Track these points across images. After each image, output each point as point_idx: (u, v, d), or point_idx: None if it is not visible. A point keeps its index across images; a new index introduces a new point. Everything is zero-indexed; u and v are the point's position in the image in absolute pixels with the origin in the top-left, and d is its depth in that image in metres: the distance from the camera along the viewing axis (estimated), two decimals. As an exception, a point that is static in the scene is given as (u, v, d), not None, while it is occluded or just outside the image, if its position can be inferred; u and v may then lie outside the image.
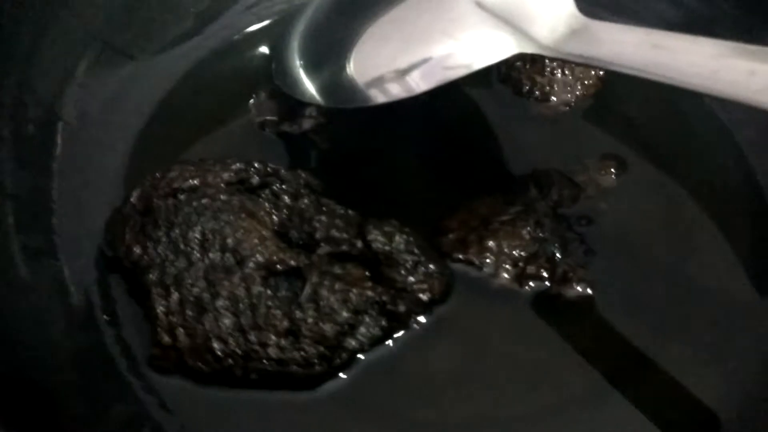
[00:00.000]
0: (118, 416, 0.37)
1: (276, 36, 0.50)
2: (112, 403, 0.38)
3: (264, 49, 0.51)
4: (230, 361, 0.36)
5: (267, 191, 0.41)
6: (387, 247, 0.39)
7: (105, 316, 0.40)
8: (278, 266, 0.38)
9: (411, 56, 0.41)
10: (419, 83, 0.40)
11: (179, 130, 0.47)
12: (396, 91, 0.40)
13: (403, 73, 0.41)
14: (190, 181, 0.40)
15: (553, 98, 0.48)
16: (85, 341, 0.39)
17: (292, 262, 0.38)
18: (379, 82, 0.41)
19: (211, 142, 0.47)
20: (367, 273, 0.39)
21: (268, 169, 0.42)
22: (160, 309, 0.37)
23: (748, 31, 0.46)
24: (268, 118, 0.47)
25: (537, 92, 0.48)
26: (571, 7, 0.39)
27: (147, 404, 0.37)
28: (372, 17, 0.43)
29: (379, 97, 0.41)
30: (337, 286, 0.38)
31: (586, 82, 0.48)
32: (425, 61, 0.40)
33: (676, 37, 0.36)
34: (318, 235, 0.39)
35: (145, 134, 0.46)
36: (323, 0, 0.49)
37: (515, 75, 0.48)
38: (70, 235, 0.42)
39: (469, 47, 0.40)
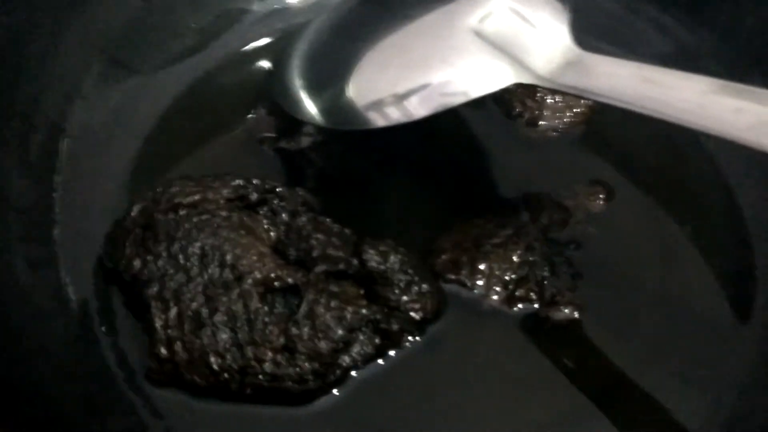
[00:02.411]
0: (114, 427, 0.38)
1: (277, 53, 0.51)
2: (109, 414, 0.38)
3: (265, 66, 0.52)
4: (226, 375, 0.37)
5: (265, 208, 0.42)
6: (382, 267, 0.40)
7: (103, 328, 0.41)
8: (276, 283, 0.39)
9: (410, 82, 0.42)
10: (417, 109, 0.41)
11: (180, 144, 0.48)
12: (395, 115, 0.41)
13: (402, 98, 0.41)
14: (191, 197, 0.41)
15: (542, 122, 0.49)
16: (83, 352, 0.40)
17: (290, 280, 0.39)
18: (377, 105, 0.42)
19: (211, 156, 0.48)
20: (361, 291, 0.40)
21: (267, 186, 0.43)
22: (158, 322, 0.38)
23: (737, 67, 0.47)
24: (266, 134, 0.48)
25: (526, 115, 0.49)
26: (568, 40, 0.40)
27: (143, 416, 0.38)
28: (372, 41, 0.44)
29: (378, 121, 0.42)
30: (332, 303, 0.39)
31: (575, 110, 0.49)
32: (424, 87, 0.41)
33: (666, 73, 0.37)
34: (315, 253, 0.40)
35: (147, 148, 0.47)
36: (324, 21, 0.50)
37: (507, 97, 0.49)
38: (71, 247, 0.43)
39: (468, 75, 0.41)
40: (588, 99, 0.45)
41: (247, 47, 0.53)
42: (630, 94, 0.37)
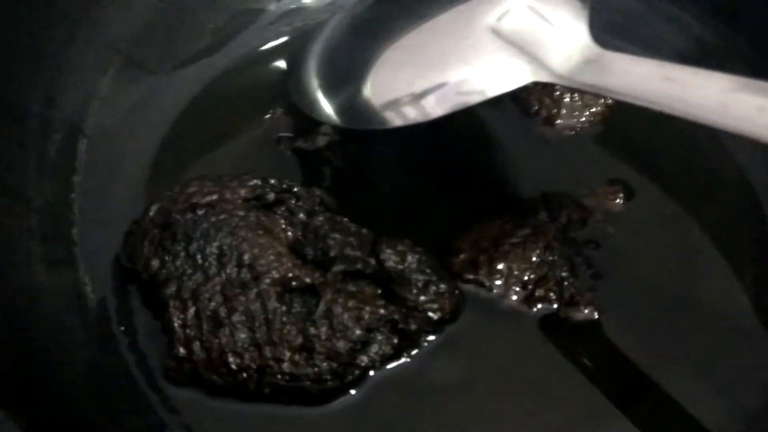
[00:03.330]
0: (132, 427, 0.38)
1: (293, 53, 0.51)
2: (127, 414, 0.38)
3: (281, 66, 0.52)
4: (244, 375, 0.37)
5: (283, 208, 0.42)
6: (399, 266, 0.40)
7: (122, 327, 0.41)
8: (293, 283, 0.39)
9: (427, 81, 0.41)
10: (435, 108, 0.41)
11: (197, 144, 0.48)
12: (412, 114, 0.41)
13: (419, 97, 0.41)
14: (209, 196, 0.41)
15: (559, 121, 0.49)
16: (102, 352, 0.40)
17: (307, 279, 0.39)
18: (395, 105, 0.42)
19: (227, 156, 0.48)
20: (379, 291, 0.40)
21: (284, 186, 0.43)
22: (176, 322, 0.38)
23: (759, 65, 0.47)
24: (283, 134, 0.48)
25: (544, 113, 0.49)
26: (586, 38, 0.40)
27: (161, 415, 0.38)
28: (389, 40, 0.44)
29: (395, 120, 0.42)
30: (350, 303, 0.39)
31: (593, 109, 0.49)
32: (441, 86, 0.41)
33: (687, 71, 0.36)
34: (332, 253, 0.40)
35: (164, 148, 0.47)
36: (340, 20, 0.50)
37: (525, 95, 0.49)
38: (90, 247, 0.43)
39: (485, 74, 0.41)
40: (607, 97, 0.45)
41: (263, 47, 0.53)
42: (649, 93, 0.36)
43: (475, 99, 0.40)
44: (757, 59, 0.47)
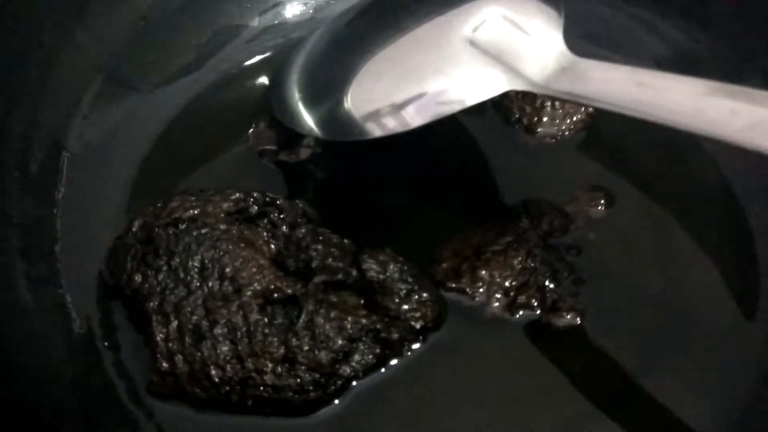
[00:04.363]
0: (116, 441, 0.38)
1: (275, 68, 0.52)
2: (111, 429, 0.38)
3: (263, 81, 0.52)
4: (227, 387, 0.37)
5: (265, 221, 0.42)
6: (381, 276, 0.40)
7: (105, 343, 0.41)
8: (275, 294, 0.39)
9: (406, 92, 0.42)
10: (414, 118, 0.41)
11: (180, 160, 0.48)
12: (392, 125, 0.42)
13: (399, 108, 0.42)
14: (191, 211, 0.41)
15: (540, 129, 0.49)
16: (86, 367, 0.40)
17: (289, 291, 0.39)
18: (375, 116, 0.42)
19: (211, 171, 0.48)
20: (361, 301, 0.40)
21: (267, 198, 0.43)
22: (159, 336, 0.38)
23: (731, 67, 0.47)
24: (266, 147, 0.48)
25: (525, 121, 0.49)
26: (561, 46, 0.40)
27: (146, 429, 0.38)
28: (369, 53, 0.44)
29: (375, 131, 0.42)
30: (332, 314, 0.39)
31: (574, 118, 0.49)
32: (420, 96, 0.42)
33: (660, 76, 0.37)
34: (314, 264, 0.40)
35: (147, 164, 0.48)
36: (321, 35, 0.50)
37: (506, 103, 0.50)
38: (73, 263, 0.43)
39: (463, 84, 0.41)
40: (583, 104, 0.45)
41: (246, 63, 0.53)
42: (624, 99, 0.37)
43: (453, 108, 0.41)
44: (732, 63, 0.48)
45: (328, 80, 0.46)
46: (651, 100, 0.36)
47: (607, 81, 0.38)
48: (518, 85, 0.40)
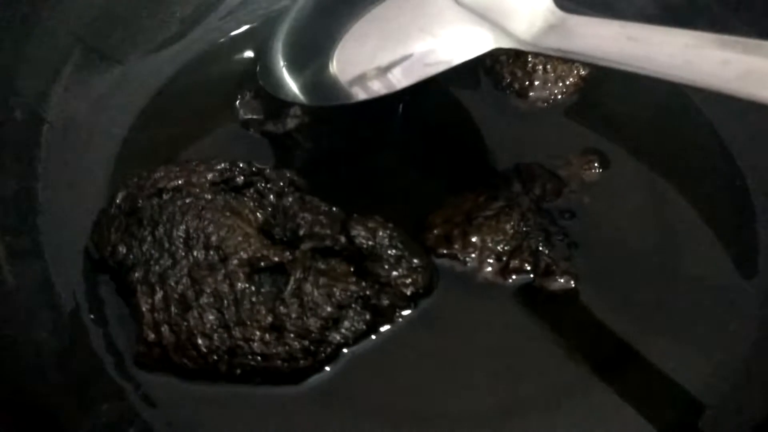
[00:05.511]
0: (105, 414, 0.38)
1: (260, 39, 0.51)
2: (100, 402, 0.38)
3: (248, 52, 0.51)
4: (215, 356, 0.37)
5: (251, 190, 0.41)
6: (370, 243, 0.40)
7: (91, 316, 0.40)
8: (262, 263, 0.38)
9: (392, 54, 0.41)
10: (400, 79, 0.40)
11: (165, 132, 0.47)
12: (377, 87, 0.41)
13: (385, 70, 0.41)
14: (175, 181, 0.41)
15: (531, 94, 0.48)
16: (72, 341, 0.39)
17: (276, 258, 0.38)
18: (361, 79, 0.42)
19: (197, 144, 0.47)
20: (351, 269, 0.39)
21: (253, 168, 0.42)
22: (145, 307, 0.37)
23: (724, 24, 0.46)
24: (253, 117, 0.48)
25: (516, 86, 0.48)
26: (549, 3, 0.39)
27: (134, 402, 0.38)
28: (353, 17, 0.44)
29: (360, 94, 0.41)
30: (321, 281, 0.38)
31: (566, 81, 0.48)
32: (406, 58, 0.41)
33: (651, 30, 0.36)
34: (302, 232, 0.39)
35: (131, 137, 0.47)
36: (306, 2, 0.49)
37: (498, 68, 0.49)
38: (57, 237, 0.42)
39: (448, 43, 0.40)
40: (573, 60, 0.44)
41: (230, 34, 0.52)
42: (615, 53, 0.36)
43: (440, 68, 0.40)
44: (722, 18, 0.47)
45: (314, 46, 0.45)
46: (642, 53, 0.35)
47: (597, 36, 0.37)
48: (505, 43, 0.39)
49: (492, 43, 0.39)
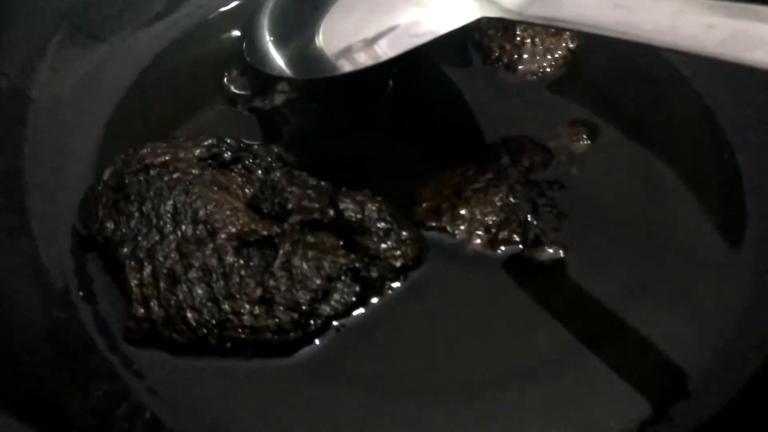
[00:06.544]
0: (96, 391, 0.37)
1: (246, 15, 0.50)
2: (91, 379, 0.38)
3: (235, 28, 0.51)
4: (204, 330, 0.37)
5: (239, 166, 0.41)
6: (359, 216, 0.40)
7: (81, 293, 0.40)
8: (250, 237, 0.38)
9: (378, 25, 0.41)
10: (386, 50, 0.40)
11: (152, 110, 0.47)
12: (363, 59, 0.41)
13: (371, 41, 0.41)
14: (162, 157, 0.40)
15: (520, 67, 0.48)
16: (62, 319, 0.39)
17: (265, 232, 0.38)
18: (347, 51, 0.41)
19: (184, 121, 0.47)
20: (340, 242, 0.39)
21: (241, 144, 0.42)
22: (133, 282, 0.37)
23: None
24: (240, 93, 0.47)
25: (505, 59, 0.48)
26: (534, -29, 0.39)
27: (125, 378, 0.38)
28: (339, -10, 0.43)
29: (346, 66, 0.41)
30: (309, 254, 0.38)
31: (555, 54, 0.48)
32: (392, 28, 0.41)
33: (636, -5, 0.36)
34: (290, 206, 0.39)
35: (118, 115, 0.47)
36: (292, -23, 0.49)
37: (486, 42, 0.49)
38: (45, 215, 0.42)
39: (434, 13, 0.40)
40: (559, 28, 0.44)
41: (217, 11, 0.52)
42: (601, 20, 0.36)
43: (425, 38, 0.40)
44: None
45: (299, 19, 0.45)
46: (628, 19, 0.35)
47: (583, 4, 0.37)
48: (491, 12, 0.39)
49: (477, 12, 0.39)
